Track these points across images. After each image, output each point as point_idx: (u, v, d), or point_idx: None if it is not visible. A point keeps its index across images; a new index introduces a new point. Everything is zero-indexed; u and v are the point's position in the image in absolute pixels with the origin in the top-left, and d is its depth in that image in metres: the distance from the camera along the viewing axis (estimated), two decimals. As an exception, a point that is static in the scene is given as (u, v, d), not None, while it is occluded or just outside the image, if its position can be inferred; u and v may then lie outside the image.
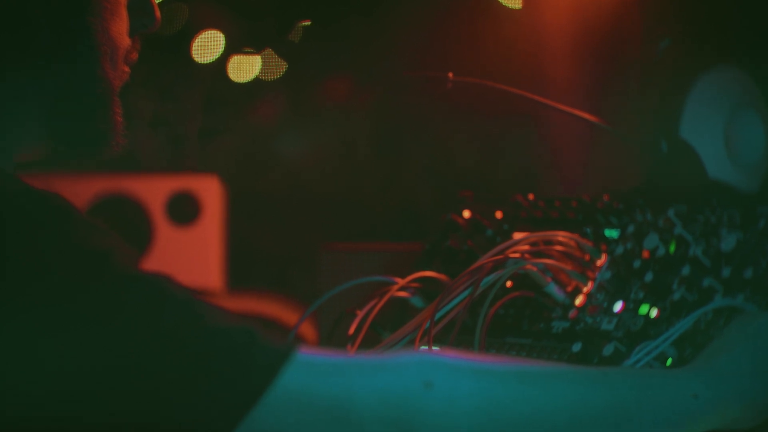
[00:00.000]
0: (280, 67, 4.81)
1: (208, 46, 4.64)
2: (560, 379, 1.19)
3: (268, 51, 4.79)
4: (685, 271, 1.51)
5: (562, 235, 1.60)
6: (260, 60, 4.81)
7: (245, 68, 4.82)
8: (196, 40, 4.62)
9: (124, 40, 1.33)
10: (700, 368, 1.26)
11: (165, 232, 4.03)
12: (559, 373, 1.20)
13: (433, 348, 1.48)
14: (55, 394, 1.10)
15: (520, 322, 1.59)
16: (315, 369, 1.14)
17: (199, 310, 1.15)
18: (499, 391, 1.15)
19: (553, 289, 1.57)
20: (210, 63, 4.69)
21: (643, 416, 1.19)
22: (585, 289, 1.57)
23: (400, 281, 1.63)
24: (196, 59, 4.64)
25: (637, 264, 1.56)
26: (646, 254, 1.56)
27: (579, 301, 1.56)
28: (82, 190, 3.89)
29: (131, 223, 3.95)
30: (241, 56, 4.80)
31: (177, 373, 1.11)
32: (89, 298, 1.12)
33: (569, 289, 1.58)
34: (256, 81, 4.82)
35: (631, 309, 1.51)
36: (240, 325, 1.15)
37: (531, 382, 1.17)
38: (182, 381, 1.11)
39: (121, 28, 1.32)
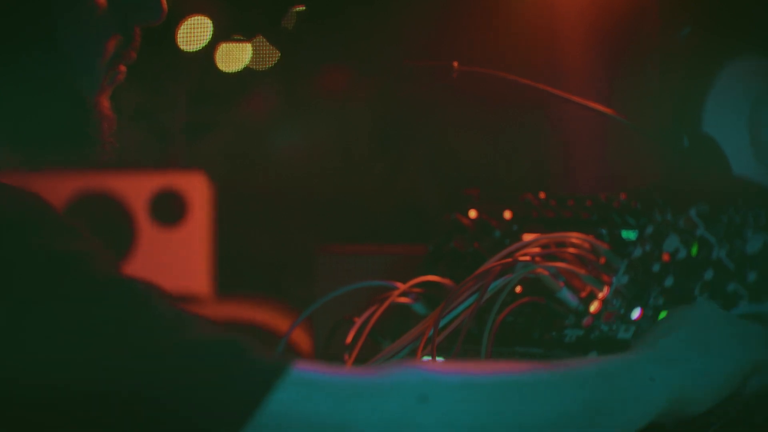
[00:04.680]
0: (273, 56, 4.82)
1: (194, 33, 4.65)
2: (541, 386, 1.25)
3: (260, 38, 4.80)
4: (708, 275, 1.51)
5: (575, 237, 1.60)
6: (251, 48, 4.82)
7: (235, 57, 4.82)
8: (182, 27, 4.63)
9: (105, 45, 1.32)
10: (651, 351, 1.34)
11: (148, 233, 4.03)
12: (539, 380, 1.26)
13: (426, 360, 1.49)
14: (22, 404, 1.11)
15: (530, 330, 1.60)
16: (309, 387, 1.15)
17: (182, 319, 1.15)
18: (487, 406, 1.21)
19: (566, 295, 1.57)
20: (197, 51, 4.70)
21: (611, 405, 1.28)
22: (600, 295, 1.57)
23: (402, 286, 1.63)
24: (181, 47, 4.65)
25: (656, 268, 1.56)
26: (665, 257, 1.56)
27: (594, 307, 1.57)
28: (60, 188, 3.89)
29: (112, 223, 3.96)
30: (231, 44, 4.81)
31: (157, 390, 1.11)
32: (61, 304, 1.12)
33: (583, 294, 1.58)
34: (247, 71, 4.83)
35: (650, 316, 1.52)
36: (228, 338, 1.16)
37: (515, 393, 1.23)
38: (163, 399, 1.12)
39: (97, 34, 1.31)
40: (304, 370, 1.16)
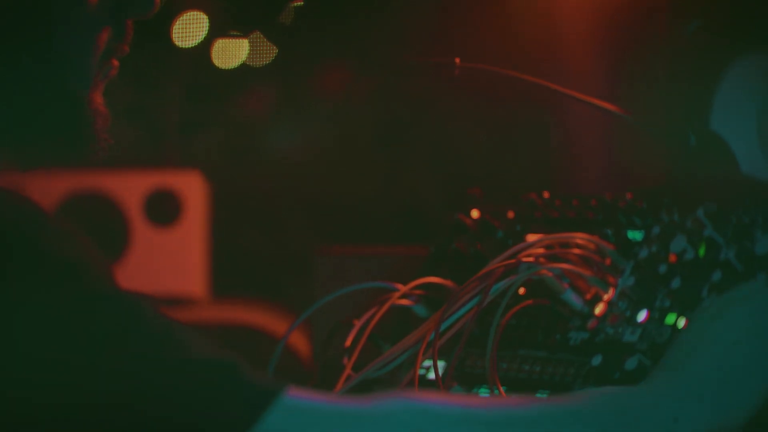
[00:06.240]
0: (270, 52, 4.82)
1: (190, 28, 4.65)
2: (549, 421, 1.24)
3: (257, 34, 4.80)
4: (716, 276, 1.51)
5: (580, 238, 1.61)
6: (247, 44, 4.82)
7: (231, 53, 4.82)
8: (177, 22, 4.63)
9: (96, 38, 1.32)
10: (673, 386, 1.31)
11: (143, 234, 4.03)
12: (547, 414, 1.24)
13: (419, 391, 1.49)
14: (11, 418, 1.11)
15: (534, 332, 1.60)
16: (301, 414, 1.15)
17: (175, 338, 1.15)
18: None
19: (571, 297, 1.57)
20: (192, 47, 4.70)
21: None
22: (606, 297, 1.57)
23: (402, 288, 1.63)
24: (176, 43, 4.65)
25: (663, 269, 1.56)
26: (672, 258, 1.56)
27: (599, 309, 1.57)
28: (52, 187, 3.89)
29: (105, 224, 3.95)
30: (227, 40, 4.81)
31: (146, 412, 1.11)
32: (53, 318, 1.12)
33: (588, 296, 1.58)
34: (243, 67, 4.82)
35: (656, 318, 1.52)
36: (221, 359, 1.16)
37: (519, 428, 1.22)
38: (152, 421, 1.12)
39: (89, 27, 1.31)
40: (296, 396, 1.16)
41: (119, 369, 1.12)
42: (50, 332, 1.11)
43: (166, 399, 1.12)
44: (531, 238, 1.68)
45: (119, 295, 1.16)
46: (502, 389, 1.49)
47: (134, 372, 1.12)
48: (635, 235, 1.63)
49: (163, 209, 4.06)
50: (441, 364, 1.51)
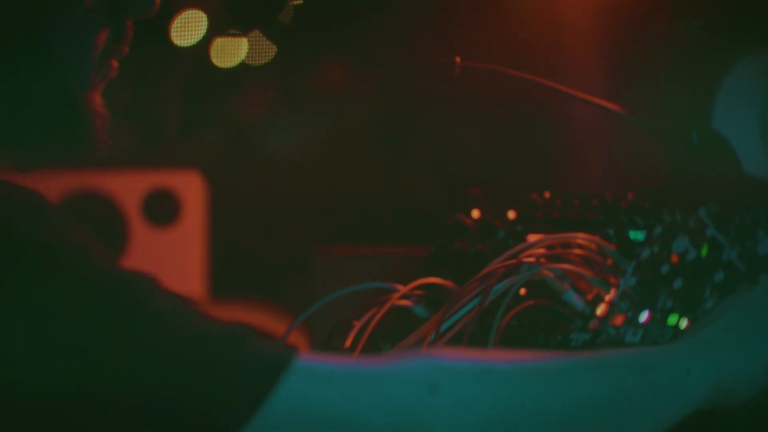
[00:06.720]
0: (269, 51, 4.81)
1: (188, 27, 4.64)
2: (564, 373, 1.25)
3: (256, 33, 4.80)
4: (718, 277, 1.51)
5: (581, 238, 1.61)
6: (247, 43, 4.81)
7: (230, 52, 4.82)
8: (176, 21, 4.62)
9: (94, 39, 1.32)
10: (690, 341, 1.33)
11: (141, 234, 4.03)
12: (563, 366, 1.26)
13: (435, 348, 1.50)
14: (18, 403, 1.11)
15: (535, 333, 1.60)
16: (315, 377, 1.16)
17: (184, 313, 1.16)
18: (505, 392, 1.20)
19: (572, 297, 1.57)
20: (191, 46, 4.69)
21: (644, 398, 1.26)
22: (607, 298, 1.57)
23: (402, 288, 1.64)
24: (175, 42, 4.64)
25: (665, 269, 1.56)
26: (674, 258, 1.56)
27: (600, 310, 1.57)
28: (50, 188, 3.89)
29: (104, 224, 3.95)
30: (226, 39, 4.80)
31: (161, 386, 1.12)
32: (60, 297, 1.12)
33: (590, 297, 1.58)
34: (242, 66, 4.82)
35: (658, 319, 1.52)
36: (231, 330, 1.17)
37: (536, 380, 1.23)
38: (168, 394, 1.12)
39: (86, 27, 1.32)
40: (309, 360, 1.17)
41: (128, 349, 1.12)
42: (53, 318, 1.11)
43: (181, 375, 1.12)
44: (532, 238, 1.68)
45: (124, 275, 1.16)
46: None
47: (145, 351, 1.12)
48: (637, 235, 1.63)
49: (162, 209, 4.06)
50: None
